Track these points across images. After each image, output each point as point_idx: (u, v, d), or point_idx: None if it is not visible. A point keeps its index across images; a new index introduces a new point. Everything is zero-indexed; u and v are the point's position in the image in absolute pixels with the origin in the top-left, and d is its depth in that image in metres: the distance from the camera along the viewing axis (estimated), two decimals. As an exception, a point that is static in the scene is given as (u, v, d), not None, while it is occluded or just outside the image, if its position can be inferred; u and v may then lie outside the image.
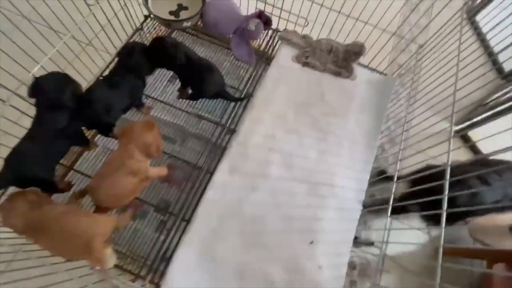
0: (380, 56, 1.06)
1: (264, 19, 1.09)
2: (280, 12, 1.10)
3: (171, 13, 1.07)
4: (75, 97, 0.72)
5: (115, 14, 0.95)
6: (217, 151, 0.95)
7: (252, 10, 1.10)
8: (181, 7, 1.08)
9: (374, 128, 1.01)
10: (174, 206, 0.89)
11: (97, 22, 0.89)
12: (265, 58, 1.12)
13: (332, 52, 1.08)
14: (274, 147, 0.94)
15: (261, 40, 1.15)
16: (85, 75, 0.94)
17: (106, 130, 0.82)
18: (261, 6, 1.10)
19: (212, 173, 0.90)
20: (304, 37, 1.12)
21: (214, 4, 1.04)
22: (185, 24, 1.05)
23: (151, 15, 1.07)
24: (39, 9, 0.75)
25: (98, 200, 0.70)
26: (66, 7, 0.80)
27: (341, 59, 1.08)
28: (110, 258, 0.71)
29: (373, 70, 1.12)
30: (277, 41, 1.14)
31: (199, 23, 1.11)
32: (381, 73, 1.12)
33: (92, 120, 0.78)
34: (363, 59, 1.08)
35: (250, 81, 1.06)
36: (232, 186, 0.88)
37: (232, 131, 0.96)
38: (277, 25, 1.15)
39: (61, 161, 0.85)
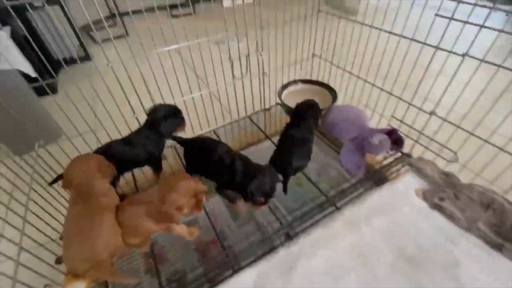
0: None
1: (394, 138, 0.91)
2: (419, 136, 0.88)
3: (298, 106, 1.11)
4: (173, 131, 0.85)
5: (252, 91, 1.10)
6: (263, 248, 0.73)
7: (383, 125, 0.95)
8: (310, 103, 1.12)
9: None
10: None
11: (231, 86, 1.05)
12: (377, 179, 0.88)
13: (493, 209, 0.69)
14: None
15: (382, 158, 0.94)
16: (203, 124, 1.08)
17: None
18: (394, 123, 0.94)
19: (236, 271, 0.67)
20: (446, 174, 0.81)
21: (339, 107, 1.00)
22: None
23: (280, 103, 1.15)
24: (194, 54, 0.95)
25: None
26: (215, 64, 0.97)
27: (510, 226, 0.66)
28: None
29: None
30: (403, 166, 0.89)
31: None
32: None
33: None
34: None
35: (344, 193, 0.83)
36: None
37: (288, 237, 0.72)
38: (411, 150, 0.91)
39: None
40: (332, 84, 1.13)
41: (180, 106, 0.90)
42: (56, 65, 1.90)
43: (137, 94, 0.88)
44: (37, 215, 0.67)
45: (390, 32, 0.84)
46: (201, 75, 1.04)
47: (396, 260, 0.65)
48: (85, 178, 0.64)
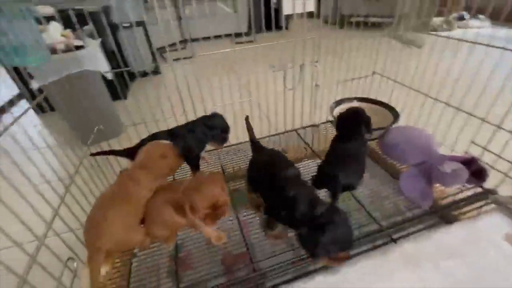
0: None
1: (473, 169, 0.74)
2: (510, 169, 0.70)
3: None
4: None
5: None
6: (295, 271, 0.62)
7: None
8: (365, 122, 1.01)
9: None
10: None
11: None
12: (445, 216, 0.71)
13: None
14: None
15: (456, 191, 0.77)
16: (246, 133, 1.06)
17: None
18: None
19: (260, 291, 0.57)
20: (555, 222, 0.60)
21: (399, 128, 0.87)
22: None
23: (331, 120, 1.08)
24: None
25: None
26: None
27: None
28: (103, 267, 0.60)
29: None
30: (486, 204, 0.71)
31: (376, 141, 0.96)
32: None
33: None
34: None
35: (401, 226, 0.68)
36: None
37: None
38: (497, 186, 0.73)
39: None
40: (393, 106, 1.02)
41: (226, 111, 0.91)
42: (131, 76, 2.19)
43: (191, 98, 0.92)
44: (81, 190, 0.70)
45: (472, 42, 0.72)
46: (251, 85, 1.05)
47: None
48: (138, 163, 0.66)
